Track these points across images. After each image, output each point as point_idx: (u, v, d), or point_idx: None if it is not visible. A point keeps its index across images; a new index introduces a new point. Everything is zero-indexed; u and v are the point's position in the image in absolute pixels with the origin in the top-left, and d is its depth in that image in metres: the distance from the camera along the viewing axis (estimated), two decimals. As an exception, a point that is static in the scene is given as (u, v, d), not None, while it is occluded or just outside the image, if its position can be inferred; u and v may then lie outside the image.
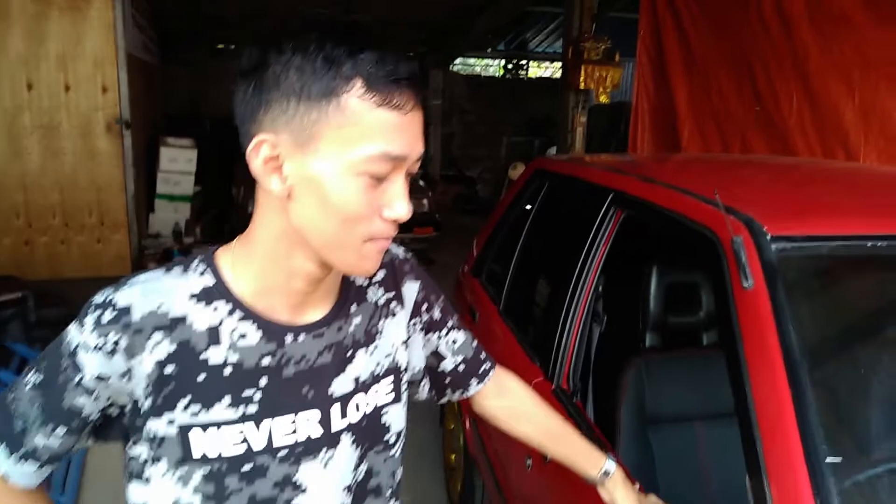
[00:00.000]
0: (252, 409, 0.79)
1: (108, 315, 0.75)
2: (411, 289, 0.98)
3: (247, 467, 0.80)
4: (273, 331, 0.80)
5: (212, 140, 7.48)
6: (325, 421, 0.84)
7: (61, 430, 0.79)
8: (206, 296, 0.79)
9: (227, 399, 0.78)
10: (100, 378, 0.77)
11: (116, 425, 0.83)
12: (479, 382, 1.10)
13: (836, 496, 1.00)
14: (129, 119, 5.97)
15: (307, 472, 0.83)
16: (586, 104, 6.37)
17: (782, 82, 3.61)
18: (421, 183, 7.41)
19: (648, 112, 4.97)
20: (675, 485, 1.63)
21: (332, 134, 0.71)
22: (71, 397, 0.78)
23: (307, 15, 0.76)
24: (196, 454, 0.78)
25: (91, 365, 0.76)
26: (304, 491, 0.83)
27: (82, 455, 2.98)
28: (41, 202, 5.83)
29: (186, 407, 0.77)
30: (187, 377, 0.77)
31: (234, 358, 0.79)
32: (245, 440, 0.79)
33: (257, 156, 0.74)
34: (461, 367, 1.07)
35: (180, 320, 0.77)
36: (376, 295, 0.93)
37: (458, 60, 13.99)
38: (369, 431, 0.90)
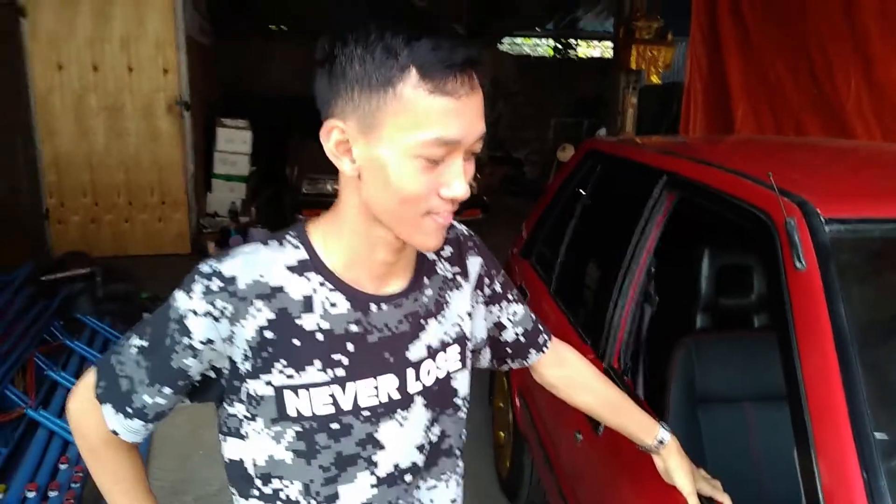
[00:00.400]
0: (340, 372, 0.86)
1: (216, 284, 0.83)
2: (474, 263, 1.05)
3: (334, 426, 0.87)
4: (359, 300, 0.87)
5: (265, 120, 7.63)
6: (402, 384, 0.91)
7: (167, 390, 0.87)
8: (301, 268, 0.86)
9: (318, 363, 0.85)
10: (205, 342, 0.84)
11: (213, 386, 0.90)
12: (537, 352, 1.16)
13: (883, 474, 1.03)
14: (188, 100, 6.16)
15: (386, 430, 0.90)
16: (637, 85, 6.30)
17: (841, 64, 3.54)
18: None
19: (701, 93, 4.89)
20: (723, 464, 1.66)
21: (390, 121, 0.76)
22: (178, 359, 0.85)
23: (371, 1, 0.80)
24: (290, 413, 0.85)
25: (198, 329, 0.83)
26: (382, 448, 0.91)
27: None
28: (107, 181, 6.09)
29: (282, 370, 0.84)
30: (284, 342, 0.84)
31: (325, 325, 0.86)
32: (334, 401, 0.86)
33: (329, 140, 0.81)
34: (521, 338, 1.13)
35: (279, 289, 0.84)
36: (445, 269, 1.00)
37: (506, 40, 13.86)
38: (440, 395, 0.97)
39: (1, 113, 4.87)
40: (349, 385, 0.87)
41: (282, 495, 0.89)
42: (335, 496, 0.89)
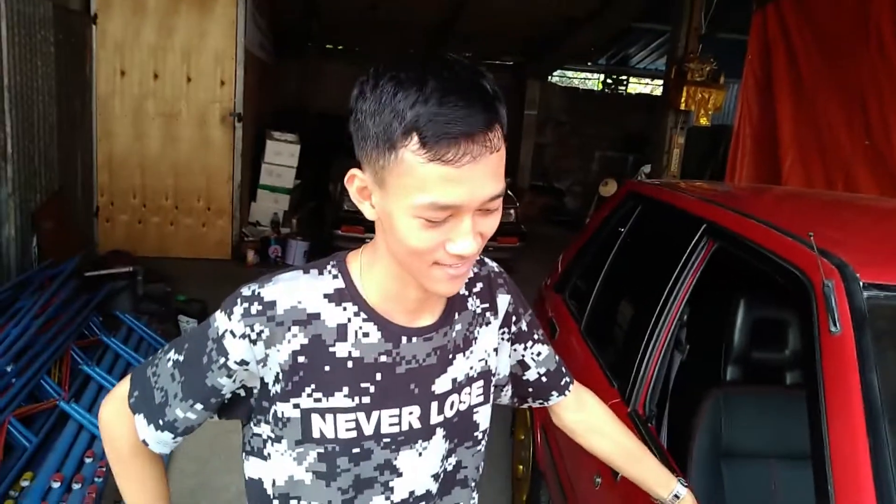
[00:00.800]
0: (366, 399, 0.89)
1: (256, 307, 0.86)
2: (503, 300, 1.06)
3: (356, 450, 0.89)
4: (391, 332, 0.90)
5: (314, 136, 7.80)
6: (425, 415, 0.93)
7: (199, 406, 0.90)
8: (338, 297, 0.89)
9: (346, 389, 0.88)
10: (241, 363, 0.87)
11: (241, 405, 0.93)
12: (558, 395, 1.17)
13: (907, 550, 1.01)
14: (241, 112, 6.34)
15: (404, 458, 0.93)
16: (685, 125, 6.25)
17: (897, 117, 3.47)
18: (508, 193, 7.47)
19: (750, 138, 4.85)
20: (745, 521, 1.63)
21: (393, 181, 0.77)
22: (213, 377, 0.88)
23: (405, 56, 0.79)
24: (315, 435, 0.88)
25: (235, 350, 0.86)
26: (400, 475, 0.93)
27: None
28: (156, 185, 6.28)
29: (311, 394, 0.87)
30: (315, 367, 0.87)
31: (356, 353, 0.88)
32: (357, 426, 0.89)
33: (352, 185, 0.84)
34: (543, 379, 1.14)
35: (315, 316, 0.87)
36: (475, 304, 1.01)
37: (556, 72, 13.92)
38: (461, 428, 0.99)
39: (66, 113, 5.08)
40: (374, 413, 0.89)
41: None
42: None
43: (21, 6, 4.12)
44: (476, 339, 1.00)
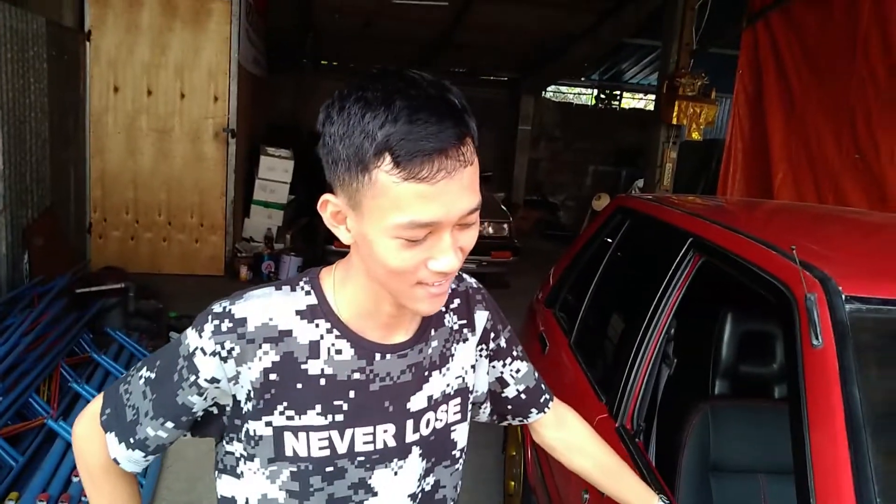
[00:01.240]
0: (339, 417, 0.88)
1: (226, 325, 0.85)
2: (481, 317, 1.05)
3: (329, 469, 0.88)
4: (365, 349, 0.89)
5: (308, 151, 7.79)
6: (400, 433, 0.92)
7: (170, 424, 0.89)
8: (311, 313, 0.88)
9: (318, 407, 0.87)
10: (211, 380, 0.86)
11: (213, 423, 0.92)
12: (538, 412, 1.16)
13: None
14: (234, 128, 6.35)
15: (379, 477, 0.92)
16: (678, 140, 6.29)
17: (886, 131, 3.49)
18: (502, 207, 7.48)
19: (742, 152, 4.88)
20: (734, 536, 1.62)
21: (368, 203, 0.77)
22: (184, 395, 0.87)
23: (365, 73, 0.78)
24: (287, 453, 0.87)
25: (206, 368, 0.85)
26: (375, 494, 0.92)
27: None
28: (149, 200, 6.28)
29: (283, 412, 0.86)
30: (287, 385, 0.86)
31: (329, 371, 0.87)
32: (330, 445, 0.88)
33: (325, 211, 0.83)
34: (523, 396, 1.13)
35: (287, 333, 0.86)
36: (452, 321, 1.00)
37: (550, 87, 14.02)
38: (438, 446, 0.97)
39: (59, 129, 5.09)
40: (347, 431, 0.88)
41: None
42: None
43: (14, 22, 4.13)
44: (453, 355, 0.99)
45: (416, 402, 0.93)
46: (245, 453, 0.90)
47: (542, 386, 1.17)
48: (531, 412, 1.15)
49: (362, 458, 0.90)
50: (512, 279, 6.87)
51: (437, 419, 0.96)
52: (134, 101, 6.10)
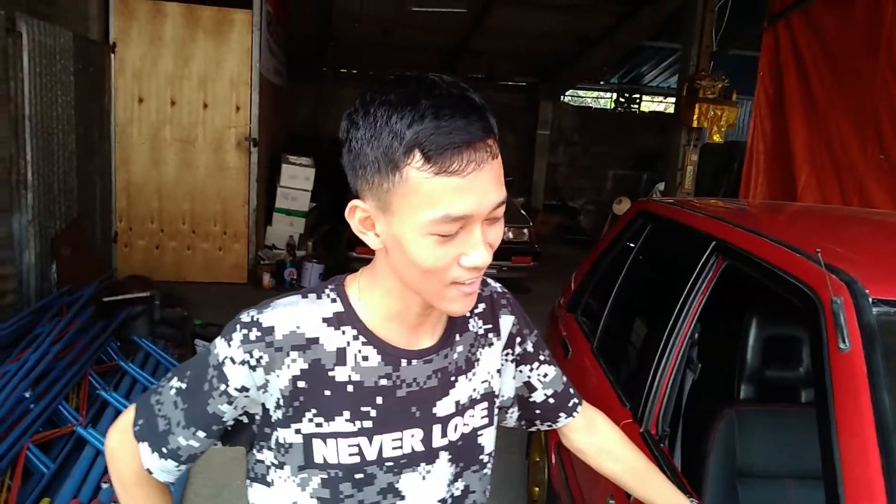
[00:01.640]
0: (368, 423, 0.89)
1: (254, 334, 0.86)
2: (507, 322, 1.06)
3: (358, 475, 0.89)
4: (391, 355, 0.90)
5: (329, 159, 7.86)
6: (427, 439, 0.93)
7: (201, 434, 0.90)
8: (337, 321, 0.89)
9: (346, 413, 0.88)
10: (241, 389, 0.87)
11: (244, 431, 0.93)
12: (567, 416, 1.16)
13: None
14: (256, 137, 6.43)
15: (407, 482, 0.92)
16: (698, 142, 6.25)
17: (911, 131, 3.45)
18: (522, 212, 7.48)
19: (764, 155, 4.83)
20: (762, 543, 1.61)
21: (400, 201, 0.78)
22: (214, 404, 0.88)
23: (386, 80, 0.80)
24: (317, 461, 0.88)
25: (235, 377, 0.86)
26: (403, 498, 0.92)
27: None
28: (173, 210, 6.37)
29: (312, 419, 0.87)
30: (315, 392, 0.87)
31: (356, 377, 0.88)
32: (359, 451, 0.89)
33: (353, 217, 0.85)
34: (551, 400, 1.13)
35: (314, 341, 0.87)
36: (477, 325, 1.01)
37: (569, 92, 14.00)
38: (466, 451, 0.98)
39: (85, 140, 5.18)
40: (376, 437, 0.89)
41: None
42: None
43: (42, 37, 4.23)
44: (478, 360, 1.00)
45: (443, 408, 0.94)
46: (275, 461, 0.90)
47: (571, 390, 1.17)
48: (560, 416, 1.16)
49: (391, 464, 0.91)
50: (532, 284, 6.85)
51: (464, 424, 0.97)
52: (158, 112, 6.20)
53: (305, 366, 0.87)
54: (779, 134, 4.65)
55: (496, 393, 1.03)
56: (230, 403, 0.88)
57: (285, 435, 0.88)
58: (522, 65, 11.62)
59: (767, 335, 1.96)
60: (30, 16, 4.09)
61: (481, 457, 1.01)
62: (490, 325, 1.03)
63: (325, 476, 0.88)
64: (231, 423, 0.92)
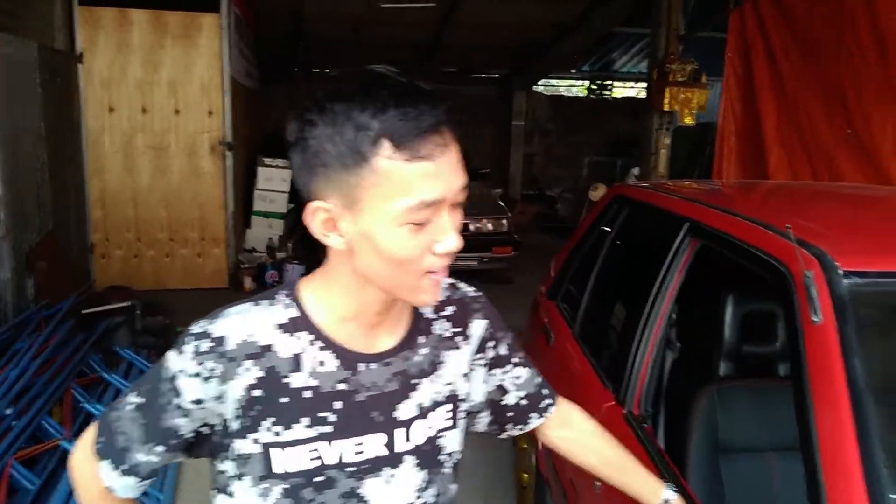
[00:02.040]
0: (327, 429, 0.87)
1: (206, 345, 0.84)
2: (479, 326, 1.04)
3: (318, 479, 0.88)
4: (348, 359, 0.88)
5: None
6: (390, 443, 0.91)
7: (160, 448, 0.89)
8: (292, 326, 0.87)
9: (305, 420, 0.86)
10: (196, 401, 0.85)
11: (206, 443, 0.92)
12: (538, 417, 1.15)
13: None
14: (231, 141, 6.38)
15: (370, 487, 0.91)
16: (671, 126, 6.31)
17: (877, 107, 3.49)
18: (500, 203, 7.50)
19: (735, 135, 4.88)
20: (747, 516, 1.64)
21: (371, 194, 0.77)
22: (170, 418, 0.87)
23: (336, 77, 0.80)
24: (277, 470, 0.87)
25: (189, 389, 0.85)
26: (366, 503, 0.91)
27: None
28: (149, 218, 6.30)
29: (269, 427, 0.86)
30: (272, 400, 0.85)
31: (313, 383, 0.87)
32: (319, 456, 0.87)
33: (314, 220, 0.82)
34: (523, 402, 1.12)
35: (268, 348, 0.85)
36: (443, 328, 0.99)
37: (541, 82, 14.03)
38: (431, 454, 0.97)
39: (57, 152, 5.11)
40: (335, 442, 0.88)
41: None
42: None
43: (6, 49, 4.16)
44: (443, 363, 0.98)
45: (405, 411, 0.93)
46: (236, 472, 0.89)
47: (544, 391, 1.16)
48: (531, 418, 1.15)
49: (352, 469, 0.89)
50: (514, 275, 6.88)
51: (428, 427, 0.96)
52: (129, 120, 6.12)
53: (261, 374, 0.85)
54: (749, 114, 4.70)
55: (461, 396, 1.02)
56: (186, 416, 0.87)
57: (243, 445, 0.87)
58: (496, 56, 11.62)
59: (744, 312, 1.99)
60: (-9, 28, 4.03)
61: (441, 458, 0.99)
62: (459, 329, 1.02)
63: (287, 486, 0.87)
64: (191, 435, 0.90)
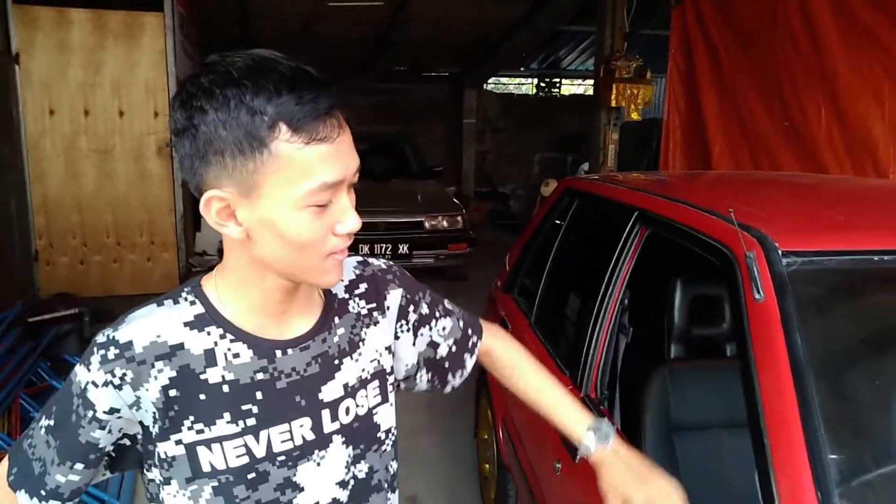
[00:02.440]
0: (251, 421, 0.86)
1: (112, 352, 0.82)
2: (395, 296, 1.05)
3: (251, 475, 0.87)
4: (263, 348, 0.87)
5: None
6: (317, 425, 0.91)
7: (79, 466, 0.86)
8: (200, 322, 0.86)
9: (227, 415, 0.85)
10: (110, 411, 0.83)
11: (130, 455, 0.89)
12: (471, 356, 1.17)
13: (836, 494, 1.08)
14: (177, 142, 6.24)
15: (304, 472, 0.90)
16: (618, 121, 6.45)
17: (811, 97, 3.64)
18: (454, 200, 7.55)
19: (679, 129, 5.03)
20: (699, 490, 1.70)
21: (271, 179, 0.76)
22: (86, 433, 0.84)
23: (218, 62, 0.79)
24: (205, 469, 0.85)
25: (102, 400, 0.82)
26: (301, 490, 0.91)
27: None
28: (95, 223, 6.12)
29: (191, 426, 0.84)
30: (190, 398, 0.84)
31: (230, 376, 0.85)
32: (248, 450, 0.86)
33: (210, 211, 0.80)
34: (454, 348, 1.14)
35: (178, 347, 0.84)
36: (358, 306, 1.00)
37: (491, 80, 14.15)
38: (363, 432, 0.97)
39: (-8, 157, 4.94)
40: (262, 433, 0.87)
41: None
42: None
43: (-63, 51, 4.00)
44: (363, 340, 0.99)
45: (330, 392, 0.93)
46: (162, 478, 0.87)
47: (469, 330, 1.16)
48: (465, 360, 1.16)
49: (283, 458, 0.89)
50: (469, 271, 6.94)
51: (358, 405, 0.96)
52: (71, 123, 5.93)
53: (174, 373, 0.84)
54: (692, 107, 4.84)
55: (387, 370, 1.02)
56: (103, 428, 0.85)
57: (166, 448, 0.85)
58: (446, 54, 11.66)
59: (692, 296, 2.08)
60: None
61: (378, 435, 1.00)
62: (374, 304, 1.02)
63: (216, 483, 0.86)
64: (111, 448, 0.88)
